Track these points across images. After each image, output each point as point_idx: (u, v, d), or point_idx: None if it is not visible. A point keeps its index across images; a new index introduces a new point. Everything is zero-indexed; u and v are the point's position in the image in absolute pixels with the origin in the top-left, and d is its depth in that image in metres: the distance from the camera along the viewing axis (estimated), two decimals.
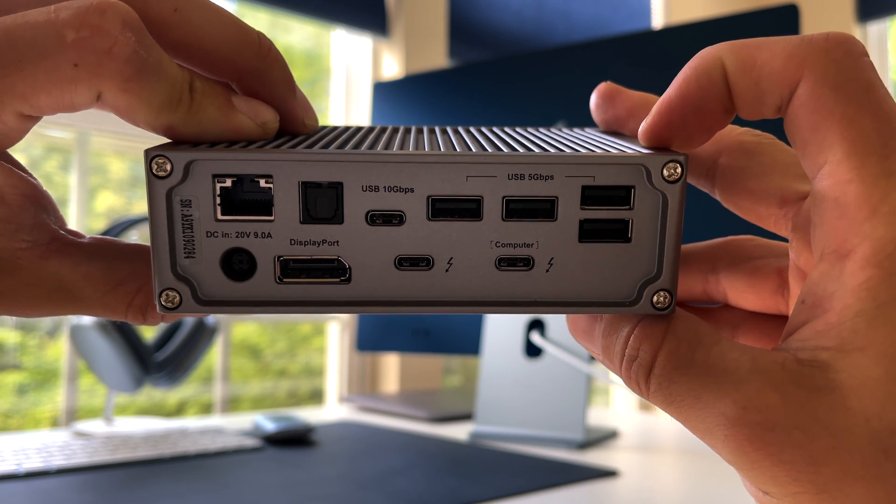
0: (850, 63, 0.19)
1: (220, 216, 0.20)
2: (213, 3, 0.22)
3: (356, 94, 2.25)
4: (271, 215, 0.20)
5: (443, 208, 0.20)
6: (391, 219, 0.20)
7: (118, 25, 0.18)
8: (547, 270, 0.21)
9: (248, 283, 0.21)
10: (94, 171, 1.79)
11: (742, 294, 0.25)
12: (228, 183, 0.20)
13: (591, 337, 0.22)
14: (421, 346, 1.14)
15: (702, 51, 0.20)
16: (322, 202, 0.20)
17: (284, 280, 0.21)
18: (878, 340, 0.17)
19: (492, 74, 1.12)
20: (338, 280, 0.21)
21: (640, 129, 0.21)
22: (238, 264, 0.21)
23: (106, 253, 0.22)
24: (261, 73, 0.23)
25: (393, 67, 2.24)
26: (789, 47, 0.19)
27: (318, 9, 2.07)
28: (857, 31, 2.77)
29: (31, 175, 0.22)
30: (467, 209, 0.20)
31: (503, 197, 0.20)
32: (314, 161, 0.20)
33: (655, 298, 0.21)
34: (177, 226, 0.20)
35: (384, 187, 0.20)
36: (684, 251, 0.25)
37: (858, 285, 0.17)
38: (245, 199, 0.20)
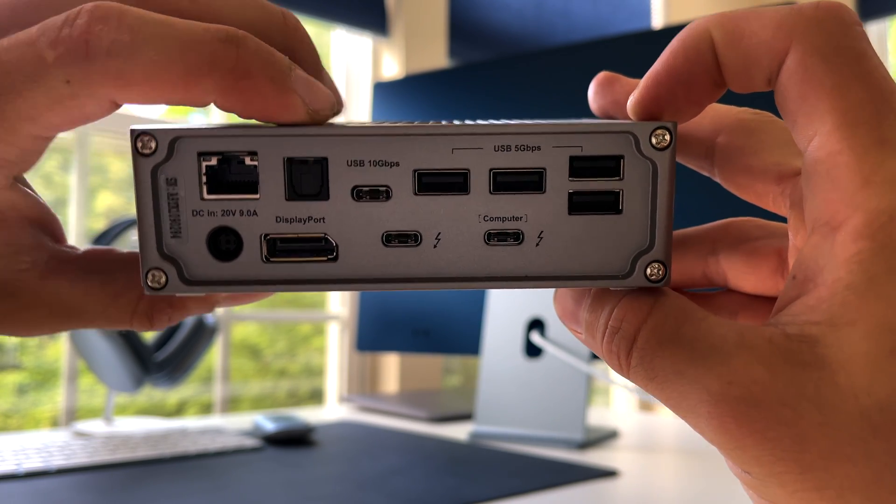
0: (840, 32, 0.18)
1: (205, 195, 0.20)
2: None
3: (356, 93, 2.25)
4: (257, 193, 0.20)
5: (429, 182, 0.20)
6: (377, 194, 0.20)
7: (87, 27, 0.18)
8: (537, 244, 0.20)
9: (235, 262, 0.20)
10: (94, 171, 1.79)
11: (742, 276, 0.24)
12: (214, 161, 0.20)
13: (576, 318, 0.22)
14: (421, 346, 1.14)
15: (690, 23, 0.20)
16: (307, 178, 0.20)
17: (271, 259, 0.20)
18: (868, 314, 0.16)
19: (492, 74, 1.12)
20: (325, 258, 0.20)
21: (628, 103, 0.21)
22: (225, 244, 0.20)
23: (103, 266, 0.22)
24: (286, 52, 0.22)
25: (393, 67, 2.23)
26: (778, 17, 0.19)
27: (318, 9, 2.07)
28: None
29: (36, 193, 0.22)
30: (454, 183, 0.20)
31: (490, 169, 0.20)
32: (298, 136, 0.20)
33: (649, 270, 0.20)
34: (162, 204, 0.20)
35: (370, 162, 0.20)
36: (684, 234, 0.25)
37: (849, 258, 0.17)
38: (231, 177, 0.20)
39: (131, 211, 1.86)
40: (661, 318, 0.19)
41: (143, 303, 0.22)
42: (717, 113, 0.23)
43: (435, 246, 0.20)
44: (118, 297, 0.22)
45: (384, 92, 1.23)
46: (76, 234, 1.78)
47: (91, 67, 0.18)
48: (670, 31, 1.01)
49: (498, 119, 0.22)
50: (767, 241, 0.24)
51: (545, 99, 1.06)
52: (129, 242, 0.97)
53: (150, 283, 0.20)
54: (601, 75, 0.24)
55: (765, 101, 0.21)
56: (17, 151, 0.19)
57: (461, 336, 1.08)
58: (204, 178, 0.20)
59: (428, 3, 2.28)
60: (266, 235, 0.20)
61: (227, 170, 0.20)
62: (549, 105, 1.05)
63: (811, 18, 0.18)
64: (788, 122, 0.19)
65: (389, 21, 2.24)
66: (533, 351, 0.90)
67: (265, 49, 0.19)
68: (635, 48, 1.00)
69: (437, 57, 2.29)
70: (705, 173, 0.24)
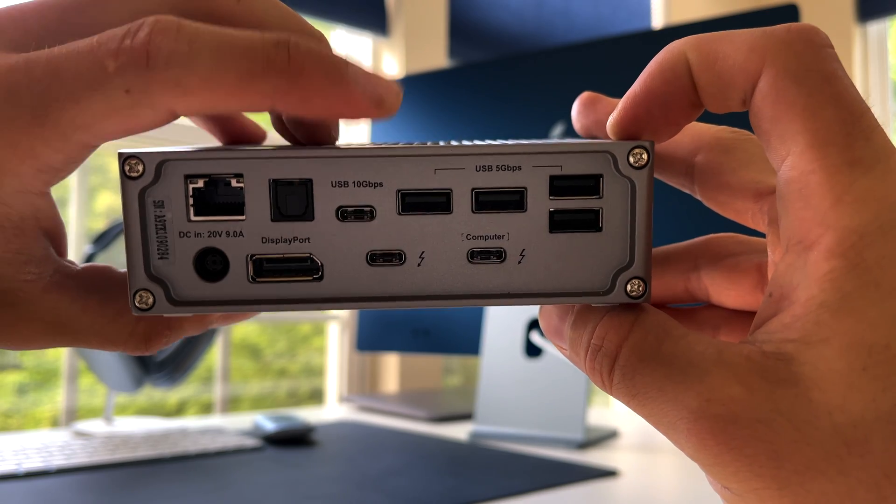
0: (811, 54, 0.18)
1: (192, 216, 0.20)
2: None
3: None
4: (243, 214, 0.20)
5: (413, 202, 0.21)
6: (362, 214, 0.20)
7: (148, 39, 0.18)
8: (519, 262, 0.21)
9: (222, 283, 0.21)
10: (94, 170, 1.79)
11: (723, 291, 0.25)
12: (200, 183, 0.20)
13: (561, 334, 0.22)
14: (421, 346, 1.14)
15: (667, 45, 0.20)
16: (292, 199, 0.20)
17: (257, 279, 0.21)
18: (841, 332, 0.17)
19: (492, 74, 1.12)
20: (310, 278, 0.21)
21: (607, 123, 0.21)
22: (211, 265, 0.21)
23: (103, 285, 0.22)
24: None
25: (393, 67, 2.24)
26: (751, 40, 0.19)
27: (318, 8, 2.07)
28: (856, 31, 2.76)
29: (54, 203, 0.22)
30: (437, 202, 0.21)
31: (472, 189, 0.20)
32: (283, 158, 0.20)
33: (629, 287, 0.21)
34: (150, 226, 0.20)
35: (354, 183, 0.20)
36: (666, 250, 0.26)
37: (822, 276, 0.17)
38: (217, 199, 0.20)
39: None
40: (642, 336, 0.19)
41: (141, 324, 0.22)
42: (695, 131, 0.24)
43: (419, 265, 0.21)
44: (116, 318, 0.22)
45: None
46: (76, 235, 1.78)
47: (151, 77, 0.18)
48: (670, 32, 1.01)
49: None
50: (748, 257, 0.24)
51: (545, 99, 1.06)
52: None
53: (137, 304, 0.20)
54: (584, 95, 0.25)
55: (743, 119, 0.21)
56: (63, 158, 0.19)
57: (461, 336, 1.08)
58: (191, 200, 0.20)
59: (428, 3, 2.28)
60: (252, 256, 0.21)
61: (214, 192, 0.20)
62: (548, 105, 1.05)
63: (782, 41, 0.19)
64: (763, 141, 0.19)
65: (389, 21, 2.24)
66: (533, 351, 0.90)
67: (318, 48, 0.19)
68: (635, 48, 1.00)
69: (437, 57, 2.29)
70: (686, 191, 0.24)
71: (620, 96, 0.23)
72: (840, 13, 2.74)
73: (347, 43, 2.26)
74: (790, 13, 0.89)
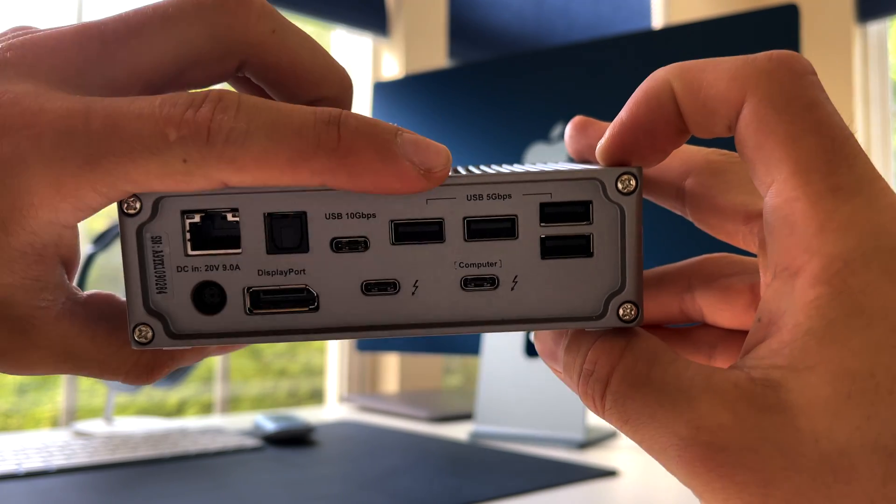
0: (791, 82, 0.19)
1: (189, 251, 0.21)
2: (304, 31, 0.23)
3: (356, 94, 2.25)
4: (239, 248, 0.21)
5: (406, 232, 0.21)
6: (356, 245, 0.21)
7: (211, 114, 0.19)
8: (512, 289, 0.21)
9: (219, 315, 0.21)
10: None
11: (717, 311, 0.25)
12: (197, 218, 0.21)
13: (555, 356, 0.22)
14: (421, 346, 1.14)
15: (652, 73, 0.21)
16: (287, 232, 0.21)
17: (254, 311, 0.21)
18: (826, 359, 0.17)
19: (492, 74, 1.12)
20: (306, 309, 0.21)
21: (596, 149, 0.22)
22: (209, 298, 0.21)
23: (108, 313, 0.22)
24: (340, 103, 0.23)
25: (393, 67, 2.24)
26: (733, 68, 0.19)
27: (318, 9, 2.07)
28: (857, 32, 2.77)
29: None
30: (430, 232, 0.21)
31: (464, 218, 0.21)
32: (277, 192, 0.20)
33: (621, 311, 0.21)
34: (148, 262, 0.21)
35: (347, 214, 0.21)
36: (661, 271, 0.26)
37: (808, 303, 0.17)
38: (213, 233, 0.21)
39: None
40: (632, 362, 0.19)
41: (144, 356, 0.22)
42: (686, 154, 0.24)
43: (413, 293, 0.21)
44: (122, 348, 0.22)
45: (384, 92, 1.23)
46: None
47: (209, 152, 0.19)
48: (670, 31, 1.01)
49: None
50: (741, 278, 0.24)
51: (545, 99, 1.06)
52: None
53: (137, 339, 0.21)
54: (576, 120, 0.25)
55: (733, 141, 0.22)
56: (104, 202, 0.20)
57: (461, 336, 1.08)
58: (188, 236, 0.21)
59: (428, 3, 2.28)
60: (249, 288, 0.21)
61: (210, 226, 0.21)
62: (548, 105, 1.05)
63: (763, 70, 0.19)
64: (749, 168, 0.20)
65: (389, 21, 2.24)
66: (533, 351, 0.90)
67: (366, 123, 0.19)
68: (635, 48, 1.00)
69: (437, 57, 2.29)
70: (678, 213, 0.25)
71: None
72: (840, 13, 2.74)
73: (347, 43, 2.26)
74: (790, 13, 0.89)
